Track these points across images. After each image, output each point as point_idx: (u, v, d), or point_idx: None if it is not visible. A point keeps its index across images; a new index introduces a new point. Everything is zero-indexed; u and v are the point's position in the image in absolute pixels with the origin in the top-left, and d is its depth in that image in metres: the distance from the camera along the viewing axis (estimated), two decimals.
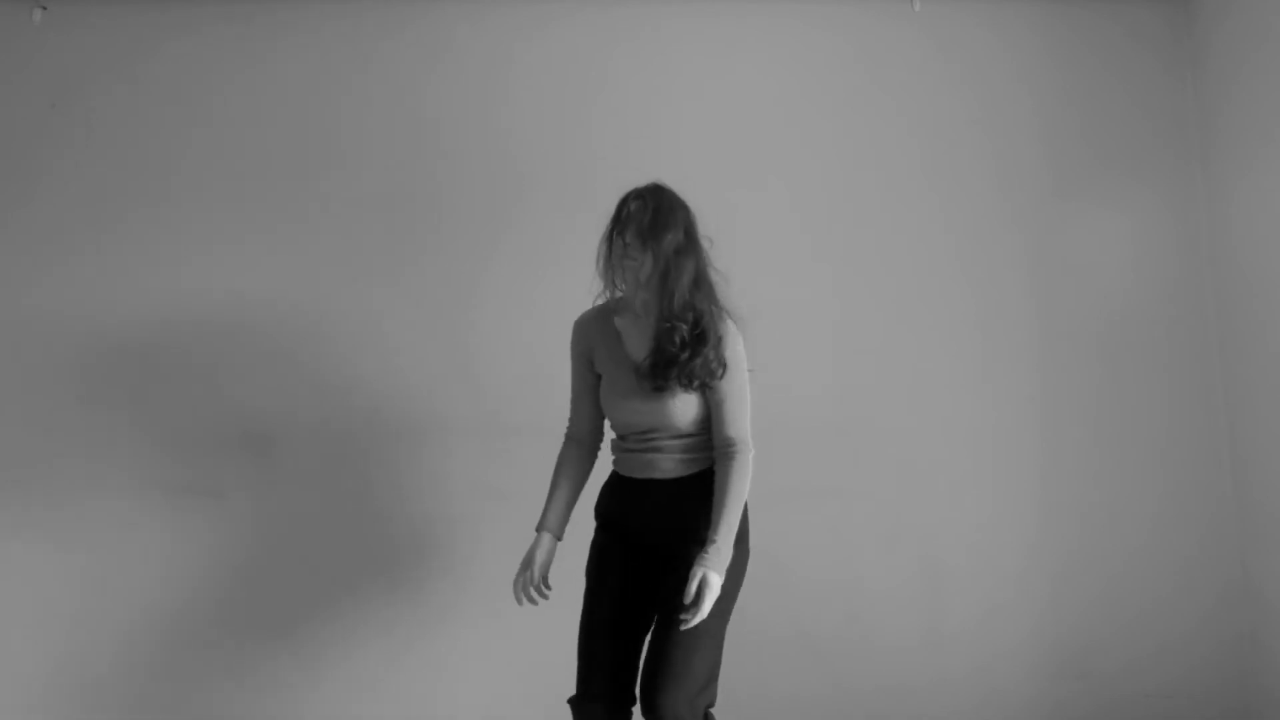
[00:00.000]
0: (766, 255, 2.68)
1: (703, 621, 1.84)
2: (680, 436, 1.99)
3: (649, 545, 2.00)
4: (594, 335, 2.07)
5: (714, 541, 1.88)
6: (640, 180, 2.02)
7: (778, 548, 2.52)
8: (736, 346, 1.98)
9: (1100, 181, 2.83)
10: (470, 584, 2.60)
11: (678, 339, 1.92)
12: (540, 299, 2.64)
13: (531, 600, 2.02)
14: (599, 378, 2.07)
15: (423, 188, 2.72)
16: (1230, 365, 2.75)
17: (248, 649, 2.58)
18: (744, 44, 2.81)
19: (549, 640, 2.54)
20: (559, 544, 2.05)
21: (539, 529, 2.05)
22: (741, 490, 1.93)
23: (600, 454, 2.15)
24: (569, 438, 2.13)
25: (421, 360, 2.66)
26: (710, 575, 1.84)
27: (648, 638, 1.97)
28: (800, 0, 2.82)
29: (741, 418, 1.98)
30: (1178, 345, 2.78)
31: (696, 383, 1.94)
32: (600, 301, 2.07)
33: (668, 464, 1.99)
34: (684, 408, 1.96)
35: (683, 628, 1.82)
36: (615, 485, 2.08)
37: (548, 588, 2.03)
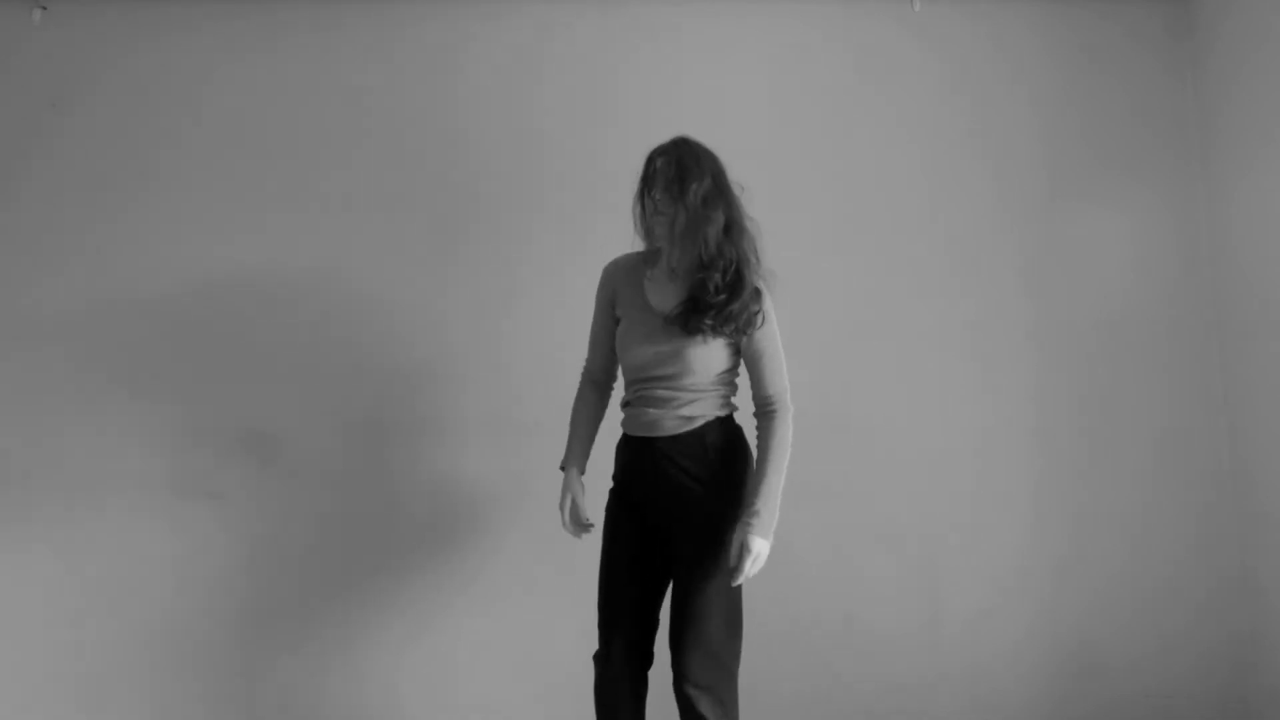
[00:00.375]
0: (765, 255, 2.67)
1: (719, 580, 1.90)
2: (687, 389, 1.97)
3: (655, 516, 2.02)
4: (620, 280, 2.10)
5: (755, 510, 1.89)
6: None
7: (776, 546, 2.52)
8: (768, 300, 2.00)
9: (1099, 182, 2.83)
10: (482, 580, 2.61)
11: (712, 286, 1.93)
12: (558, 296, 2.64)
13: (577, 534, 2.06)
14: (619, 322, 2.09)
15: (433, 186, 2.72)
16: (1230, 364, 2.75)
17: (250, 648, 2.58)
18: (743, 44, 2.81)
19: (557, 636, 2.56)
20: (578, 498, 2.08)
21: (563, 466, 2.11)
22: (783, 454, 1.95)
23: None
24: (585, 377, 2.19)
25: (430, 357, 2.66)
26: (753, 540, 1.86)
27: (667, 594, 2.02)
28: (801, 0, 2.83)
29: (780, 373, 1.99)
30: (1178, 345, 2.78)
31: (731, 328, 1.93)
32: (638, 249, 2.10)
33: (668, 421, 1.98)
34: (708, 355, 1.96)
35: (734, 583, 1.88)
36: (622, 447, 2.11)
37: (588, 521, 2.05)
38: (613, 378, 2.19)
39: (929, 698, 2.64)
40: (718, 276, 1.93)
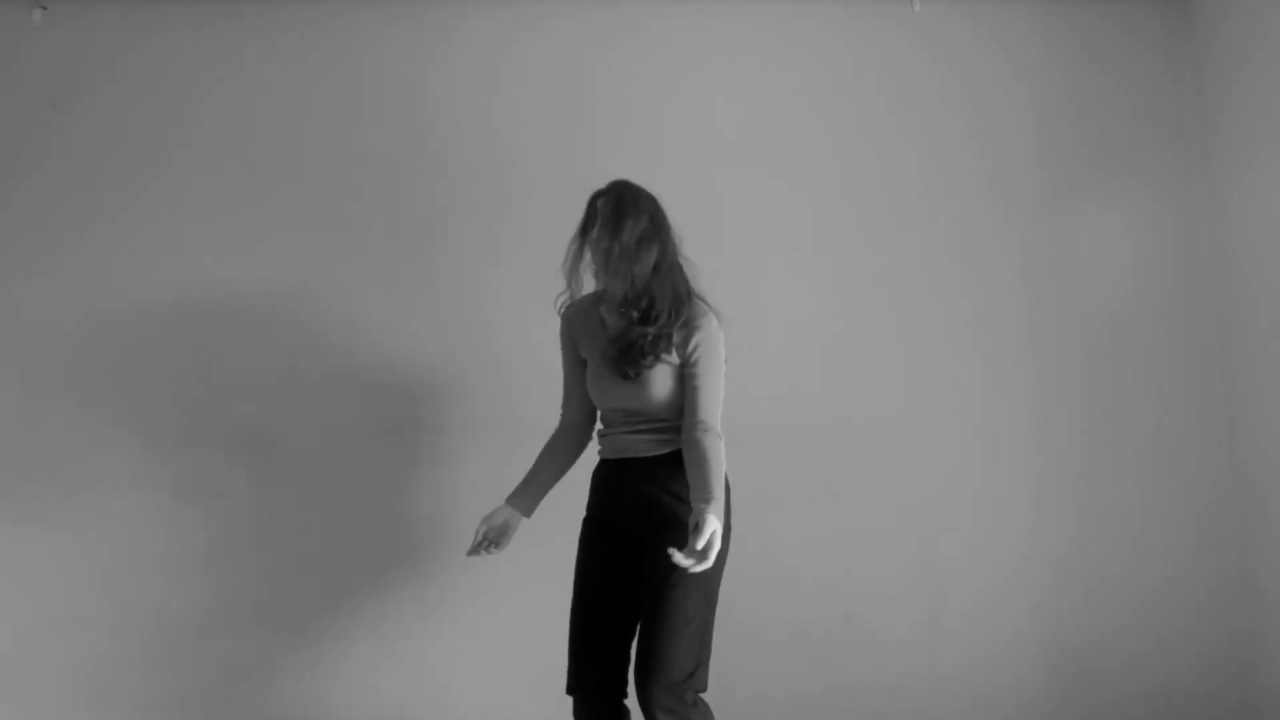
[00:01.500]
0: (763, 255, 2.68)
1: (685, 609, 1.88)
2: (657, 420, 2.01)
3: (627, 533, 2.02)
4: (578, 325, 2.13)
5: (705, 498, 1.86)
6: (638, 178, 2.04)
7: (776, 547, 2.53)
8: (711, 333, 2.01)
9: (1099, 181, 2.83)
10: (478, 583, 2.60)
11: (633, 317, 1.98)
12: (548, 297, 2.63)
13: (475, 551, 2.08)
14: (585, 364, 2.12)
15: (425, 186, 2.72)
16: (1230, 364, 2.75)
17: (250, 648, 2.58)
18: (743, 44, 2.81)
19: (557, 639, 2.56)
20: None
21: (511, 497, 2.11)
22: (719, 458, 1.92)
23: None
24: (561, 425, 2.19)
25: (427, 359, 2.66)
26: (708, 516, 1.82)
27: (635, 621, 2.00)
28: (801, 0, 2.82)
29: (714, 404, 1.99)
30: (1178, 345, 2.78)
31: (650, 359, 1.97)
32: (587, 292, 2.12)
33: (642, 445, 2.02)
34: (658, 388, 1.98)
35: (692, 570, 1.80)
36: (597, 470, 2.13)
37: (496, 547, 2.09)
38: (592, 422, 2.18)
39: (929, 697, 2.64)
40: (635, 313, 1.98)
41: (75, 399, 2.61)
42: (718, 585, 1.97)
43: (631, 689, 1.94)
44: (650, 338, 1.97)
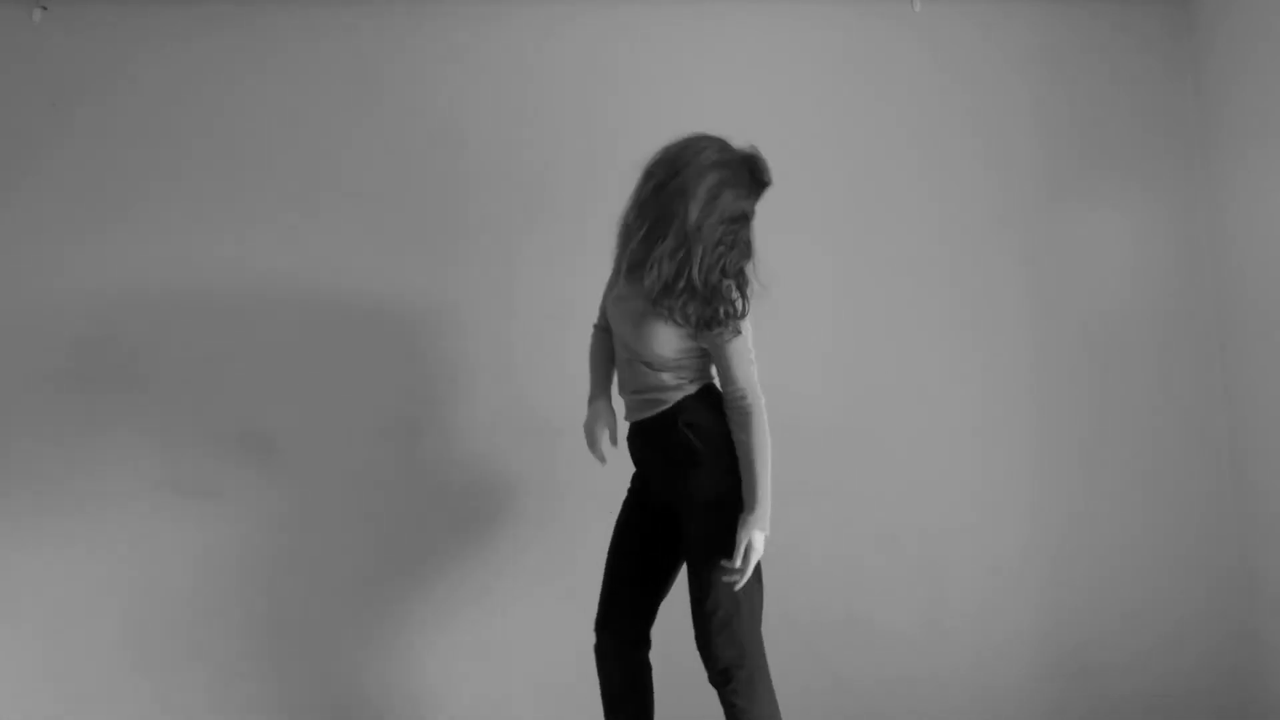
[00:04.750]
0: (764, 255, 2.67)
1: (708, 567, 1.92)
2: (650, 376, 2.00)
3: (658, 487, 2.08)
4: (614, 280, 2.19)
5: (749, 505, 1.91)
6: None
7: (776, 545, 2.52)
8: (744, 318, 2.00)
9: (1099, 182, 2.83)
10: (482, 583, 2.62)
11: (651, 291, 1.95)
12: (553, 298, 2.64)
13: (601, 458, 2.12)
14: None
15: (434, 185, 2.72)
16: (1230, 364, 2.76)
17: (251, 648, 2.58)
18: (742, 44, 2.81)
19: (561, 640, 2.57)
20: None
21: (590, 401, 2.15)
22: (759, 445, 1.93)
23: None
24: (596, 326, 2.24)
25: (432, 356, 2.67)
26: (752, 536, 1.88)
27: (668, 578, 2.10)
28: (801, 1, 2.83)
29: (746, 366, 1.96)
30: (1178, 344, 2.79)
31: (689, 317, 1.93)
32: None
33: (638, 406, 2.05)
34: (663, 338, 1.96)
35: (735, 588, 1.90)
36: (630, 429, 2.16)
37: (611, 442, 2.13)
38: None
39: (929, 695, 2.65)
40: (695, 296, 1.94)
41: (75, 399, 2.61)
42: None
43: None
44: (697, 308, 1.93)
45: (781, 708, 2.08)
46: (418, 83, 2.76)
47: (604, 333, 2.21)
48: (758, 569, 1.95)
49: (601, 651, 2.09)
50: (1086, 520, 2.73)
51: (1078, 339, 2.77)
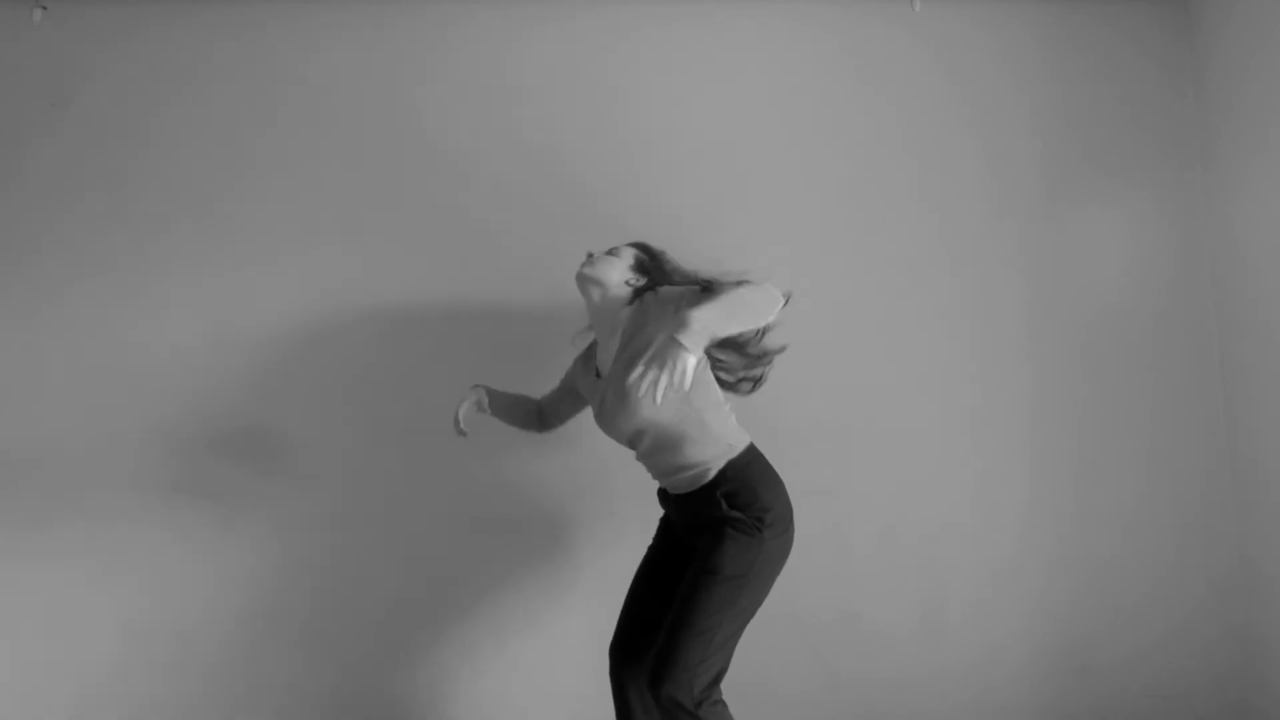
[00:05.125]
0: (763, 255, 2.68)
1: (698, 603, 1.86)
2: (665, 438, 1.99)
3: (684, 538, 2.09)
4: (579, 368, 2.27)
5: (690, 322, 1.69)
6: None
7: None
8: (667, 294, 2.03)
9: (1098, 182, 2.84)
10: (487, 584, 2.62)
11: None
12: (558, 298, 2.64)
13: (460, 432, 2.23)
14: (578, 400, 2.32)
15: (429, 188, 2.72)
16: (1230, 364, 2.76)
17: (249, 648, 2.58)
18: (743, 43, 2.82)
19: (567, 645, 2.57)
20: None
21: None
22: (748, 293, 1.80)
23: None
24: (538, 401, 2.41)
25: (433, 356, 2.66)
26: (684, 356, 1.66)
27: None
28: (801, 1, 2.83)
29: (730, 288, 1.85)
30: (1177, 344, 2.79)
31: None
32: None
33: (675, 484, 2.04)
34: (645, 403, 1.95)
35: (629, 380, 1.74)
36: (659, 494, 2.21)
37: (463, 425, 2.24)
38: (550, 423, 2.40)
39: (929, 694, 2.65)
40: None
41: (76, 399, 2.61)
42: (748, 600, 1.92)
43: None
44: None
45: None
46: (417, 82, 2.76)
47: (537, 407, 2.39)
48: (734, 610, 1.90)
49: (617, 679, 2.09)
50: (1085, 519, 2.73)
51: (1077, 338, 2.77)
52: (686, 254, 2.22)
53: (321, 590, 2.60)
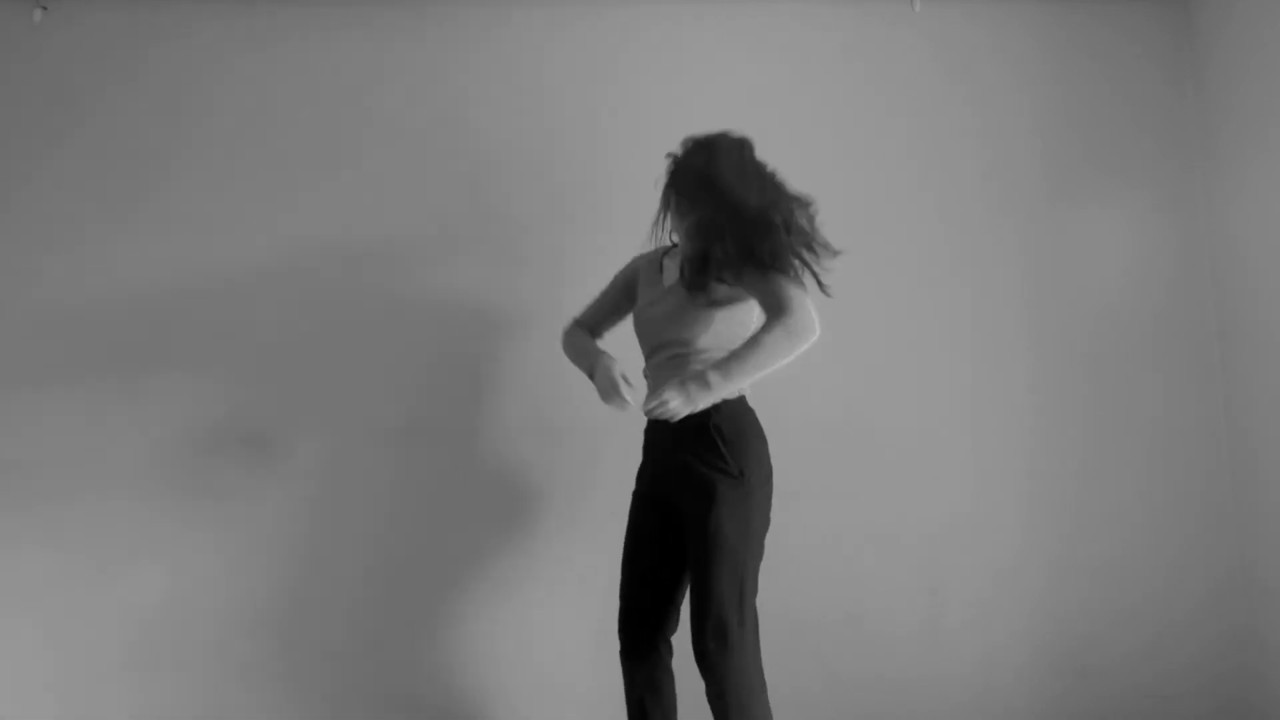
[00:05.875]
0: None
1: (725, 573, 1.93)
2: (690, 358, 2.03)
3: (670, 499, 2.08)
4: (643, 267, 2.25)
5: (708, 380, 1.88)
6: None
7: (776, 545, 2.52)
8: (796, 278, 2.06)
9: (1099, 182, 2.84)
10: (493, 585, 2.62)
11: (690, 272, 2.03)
12: (564, 300, 2.63)
13: (621, 400, 2.05)
14: (630, 306, 2.26)
15: (431, 187, 2.72)
16: (1230, 364, 2.76)
17: (251, 649, 2.58)
18: (744, 43, 2.82)
19: (575, 641, 2.57)
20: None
21: (594, 362, 2.12)
22: (769, 342, 1.90)
23: None
24: (576, 321, 2.31)
25: (435, 357, 2.66)
26: (675, 389, 1.87)
27: (683, 581, 2.10)
28: (801, 0, 2.83)
29: (802, 299, 1.99)
30: (1177, 344, 2.79)
31: (734, 271, 1.98)
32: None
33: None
34: (709, 318, 2.02)
35: (645, 404, 1.91)
36: (646, 431, 2.19)
37: (628, 384, 2.06)
38: (598, 336, 2.31)
39: (929, 695, 2.65)
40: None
41: (78, 399, 2.61)
42: (757, 545, 2.01)
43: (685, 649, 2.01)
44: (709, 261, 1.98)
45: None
46: (422, 83, 2.76)
47: (581, 326, 2.30)
48: (756, 564, 2.00)
49: (626, 660, 2.11)
50: (1085, 519, 2.73)
51: (1077, 338, 2.77)
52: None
53: (329, 593, 2.60)
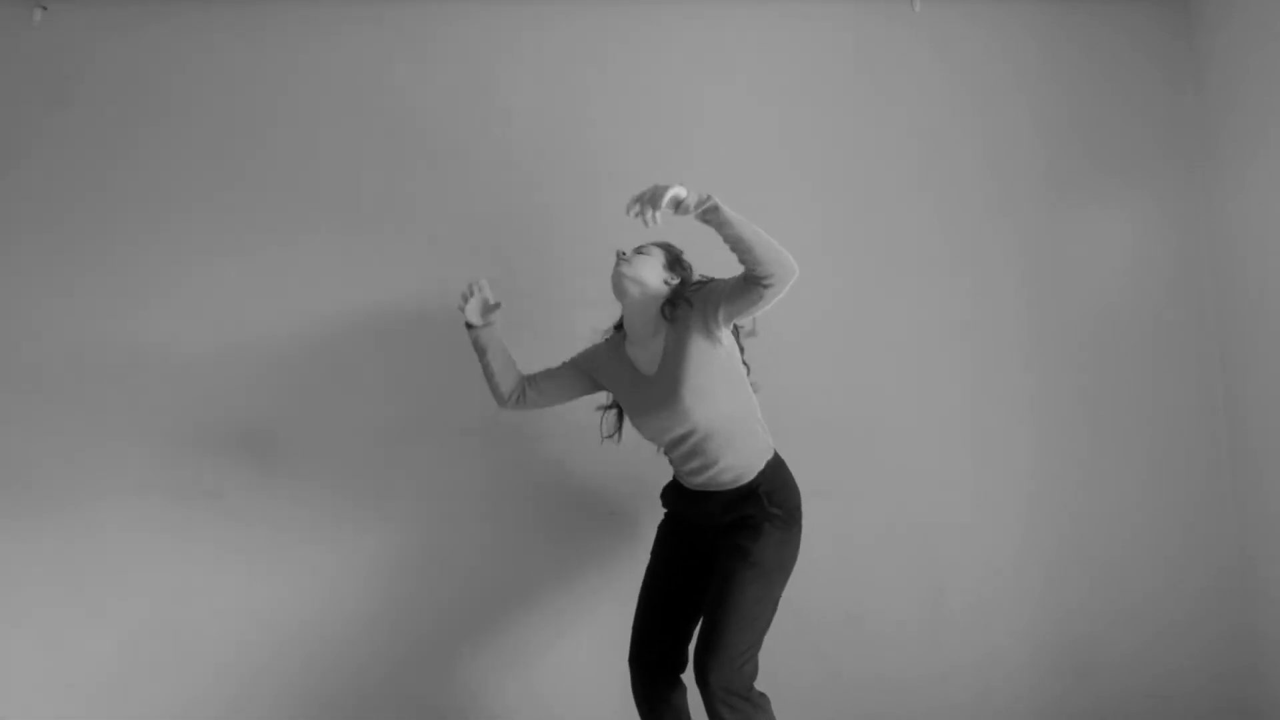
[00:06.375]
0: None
1: (745, 595, 1.95)
2: (713, 436, 2.04)
3: (701, 525, 2.12)
4: (603, 360, 2.22)
5: (710, 199, 1.88)
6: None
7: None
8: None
9: (1099, 182, 2.84)
10: (494, 585, 2.62)
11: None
12: (567, 299, 2.64)
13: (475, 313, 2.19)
14: (586, 387, 2.26)
15: (423, 188, 2.72)
16: (1230, 363, 2.76)
17: (250, 649, 2.58)
18: (744, 43, 2.82)
19: (573, 643, 2.56)
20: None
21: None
22: (761, 232, 1.91)
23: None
24: (523, 377, 2.29)
25: (429, 362, 2.66)
26: (682, 191, 1.86)
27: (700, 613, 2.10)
28: (801, 0, 2.83)
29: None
30: (1177, 344, 2.79)
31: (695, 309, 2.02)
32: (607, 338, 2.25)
33: (723, 477, 2.07)
34: (699, 397, 2.01)
35: (638, 209, 1.87)
36: (677, 486, 2.21)
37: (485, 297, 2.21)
38: (537, 399, 2.28)
39: (929, 693, 2.65)
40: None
41: (76, 401, 2.61)
42: (782, 575, 2.06)
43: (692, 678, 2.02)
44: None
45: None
46: (417, 82, 2.76)
47: (520, 381, 2.27)
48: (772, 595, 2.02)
49: (642, 690, 2.13)
50: (1086, 518, 2.73)
51: (1077, 338, 2.77)
52: (687, 253, 2.23)
53: (331, 593, 2.60)
